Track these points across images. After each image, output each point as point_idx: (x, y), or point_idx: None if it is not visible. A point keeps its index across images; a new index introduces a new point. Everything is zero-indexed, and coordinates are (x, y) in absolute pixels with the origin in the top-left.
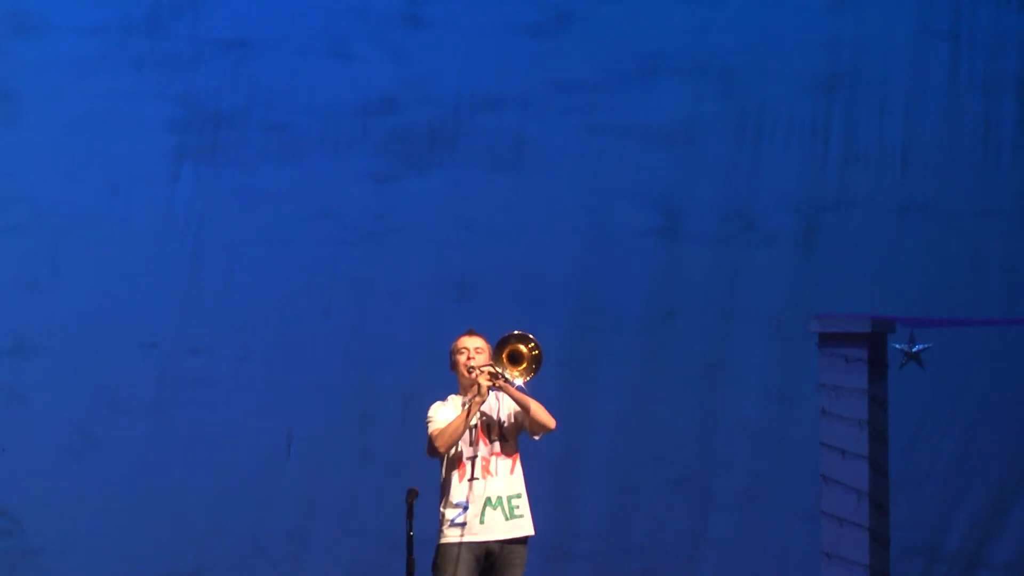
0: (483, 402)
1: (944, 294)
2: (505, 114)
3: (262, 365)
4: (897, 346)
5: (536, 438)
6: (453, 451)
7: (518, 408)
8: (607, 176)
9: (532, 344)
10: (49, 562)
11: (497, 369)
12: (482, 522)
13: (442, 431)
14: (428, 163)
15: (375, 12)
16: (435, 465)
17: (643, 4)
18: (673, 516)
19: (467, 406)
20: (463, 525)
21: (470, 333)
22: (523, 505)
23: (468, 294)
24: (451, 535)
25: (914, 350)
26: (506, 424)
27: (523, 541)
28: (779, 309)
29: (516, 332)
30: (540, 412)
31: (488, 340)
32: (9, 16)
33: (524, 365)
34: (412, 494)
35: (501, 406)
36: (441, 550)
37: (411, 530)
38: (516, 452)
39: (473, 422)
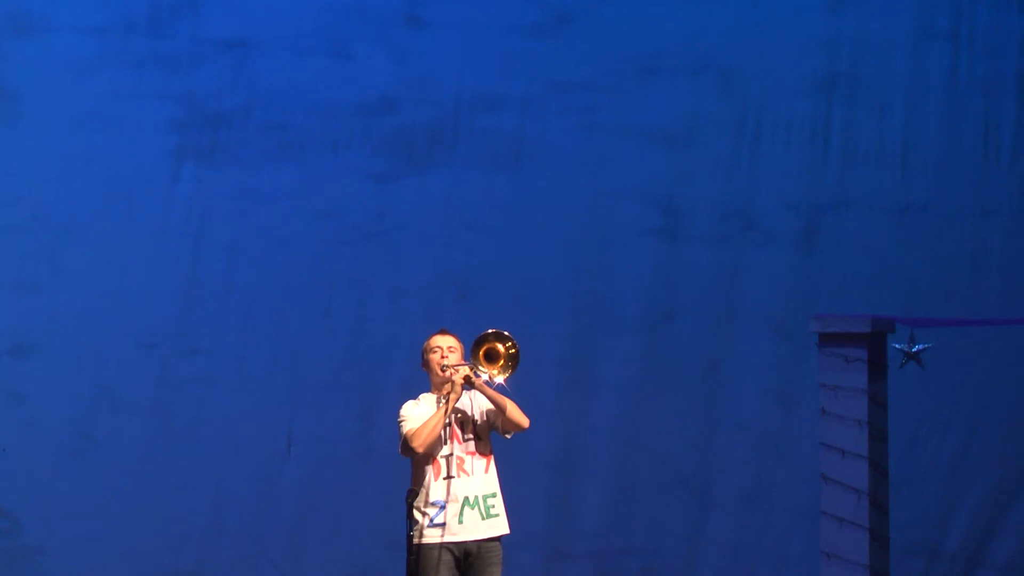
0: (457, 399)
1: (944, 294)
2: (505, 114)
3: (262, 365)
4: (897, 346)
5: (508, 437)
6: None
7: (491, 406)
8: (607, 176)
9: (510, 343)
10: (49, 562)
11: (475, 367)
12: (460, 522)
13: (418, 430)
14: (428, 163)
15: (375, 12)
16: None
17: (643, 4)
18: (673, 516)
19: (442, 404)
20: (442, 525)
21: (442, 332)
22: (499, 504)
23: (468, 294)
24: (430, 536)
25: (914, 350)
26: (479, 422)
27: (498, 539)
28: (779, 309)
29: (493, 330)
30: (515, 411)
31: (459, 339)
32: (9, 16)
33: (501, 363)
34: (412, 494)
35: (474, 404)
36: (420, 551)
37: (411, 530)
38: (490, 451)
39: (447, 420)
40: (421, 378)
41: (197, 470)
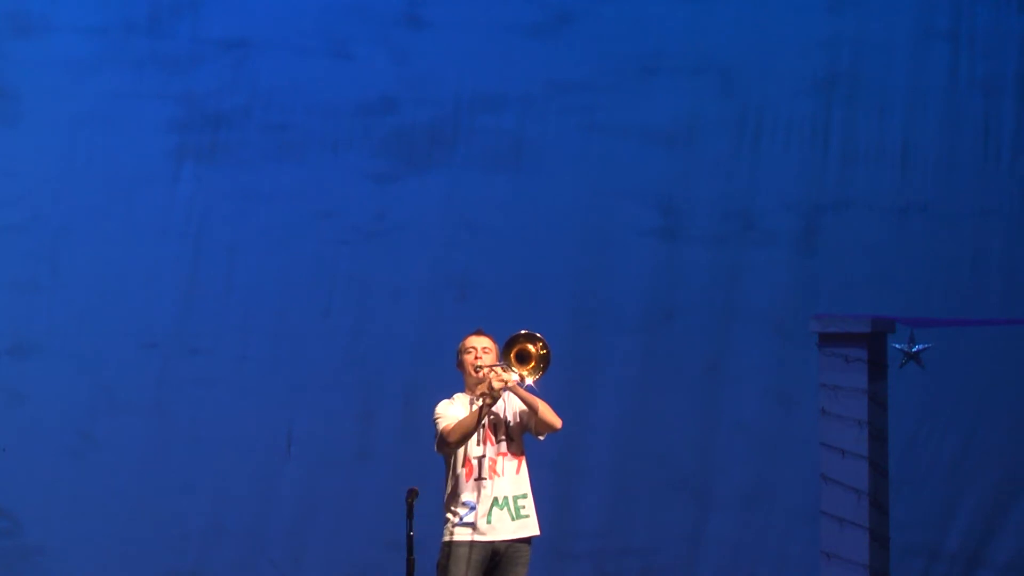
0: (494, 404)
1: (944, 294)
2: (505, 114)
3: (262, 365)
4: (897, 346)
5: (541, 438)
6: (460, 451)
7: (523, 408)
8: (607, 176)
9: (540, 343)
10: (49, 562)
11: (506, 370)
12: (489, 522)
13: (454, 428)
14: (428, 163)
15: (375, 12)
16: (436, 465)
17: (643, 4)
18: (673, 516)
19: (479, 407)
20: (471, 525)
21: (478, 332)
22: (529, 505)
23: (468, 294)
24: (460, 534)
25: (914, 350)
26: (512, 424)
27: (528, 540)
28: (779, 309)
29: (524, 332)
30: (547, 412)
31: (493, 340)
32: (9, 16)
33: (532, 364)
34: (412, 494)
35: (507, 406)
36: (449, 549)
37: (411, 530)
38: (522, 452)
39: (482, 422)
40: (421, 378)
41: (197, 470)
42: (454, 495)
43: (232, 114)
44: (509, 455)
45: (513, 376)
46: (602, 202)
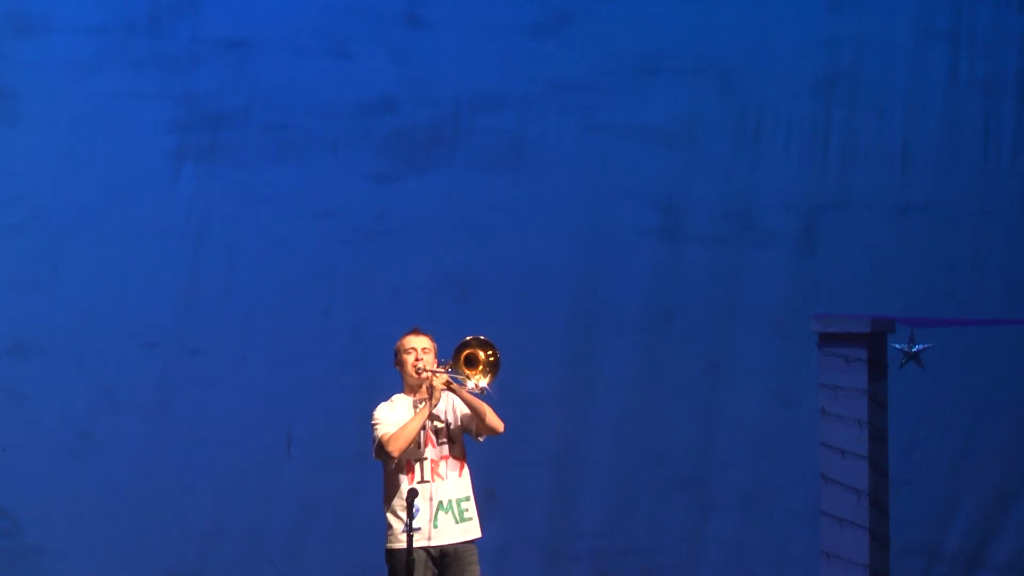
0: (436, 405)
1: (944, 294)
2: (505, 114)
3: (262, 365)
4: (897, 346)
5: (480, 439)
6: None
7: (465, 411)
8: (607, 176)
9: (491, 351)
10: (49, 562)
11: (454, 371)
12: (436, 526)
13: (395, 435)
14: (428, 163)
15: (375, 12)
16: None
17: (643, 4)
18: (673, 516)
19: (420, 409)
20: (418, 530)
21: (416, 332)
22: (471, 508)
23: (468, 294)
24: (415, 540)
25: (914, 350)
26: (453, 426)
27: (473, 542)
28: (779, 309)
29: (476, 337)
30: (492, 417)
31: (432, 340)
32: (9, 16)
33: (480, 368)
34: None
35: (448, 408)
36: (398, 555)
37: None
38: (463, 454)
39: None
40: None
41: (197, 470)
42: (398, 499)
43: (232, 114)
44: (451, 458)
45: (469, 383)
46: (602, 202)
